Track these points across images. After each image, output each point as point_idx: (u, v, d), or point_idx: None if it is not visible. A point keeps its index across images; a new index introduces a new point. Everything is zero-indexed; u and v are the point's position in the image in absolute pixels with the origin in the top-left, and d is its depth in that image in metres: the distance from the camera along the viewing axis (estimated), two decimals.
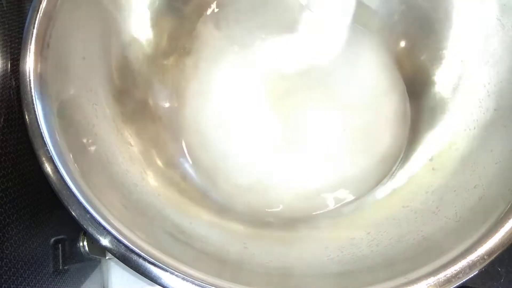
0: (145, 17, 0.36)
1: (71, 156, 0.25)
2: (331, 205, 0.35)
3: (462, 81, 0.34)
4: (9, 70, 0.27)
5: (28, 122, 0.24)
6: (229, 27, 0.40)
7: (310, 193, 0.35)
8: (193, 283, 0.22)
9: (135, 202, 0.28)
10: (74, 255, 0.31)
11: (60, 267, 0.29)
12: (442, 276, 0.22)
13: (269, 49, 0.40)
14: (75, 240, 0.32)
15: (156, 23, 0.37)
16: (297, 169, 0.36)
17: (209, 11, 0.40)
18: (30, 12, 0.26)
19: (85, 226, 0.23)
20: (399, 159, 0.36)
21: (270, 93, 0.38)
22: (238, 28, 0.40)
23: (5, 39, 0.27)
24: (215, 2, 0.40)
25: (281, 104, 0.38)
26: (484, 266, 0.22)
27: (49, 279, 0.28)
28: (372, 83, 0.39)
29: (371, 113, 0.38)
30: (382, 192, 0.35)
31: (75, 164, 0.25)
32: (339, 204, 0.35)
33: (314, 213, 0.35)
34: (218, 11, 0.40)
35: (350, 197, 0.35)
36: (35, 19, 0.26)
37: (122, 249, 0.23)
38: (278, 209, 0.35)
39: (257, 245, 0.30)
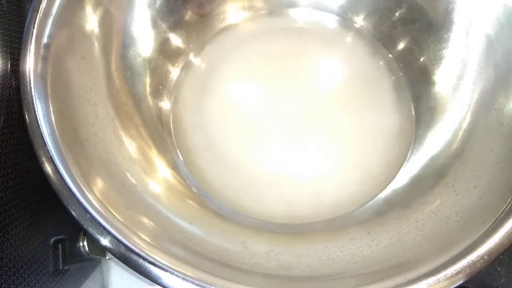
0: (145, 17, 0.36)
1: (71, 156, 0.25)
2: (333, 213, 0.35)
3: (462, 81, 0.34)
4: (9, 70, 0.27)
5: (28, 122, 0.24)
6: (230, 26, 0.40)
7: (312, 196, 0.35)
8: (193, 283, 0.22)
9: (135, 202, 0.28)
10: (74, 255, 0.31)
11: (60, 267, 0.29)
12: (442, 276, 0.22)
13: (271, 50, 0.40)
14: (75, 240, 0.32)
15: (156, 23, 0.37)
16: (299, 172, 0.36)
17: (210, 12, 0.40)
18: (30, 12, 0.26)
19: (85, 226, 0.23)
20: (404, 161, 0.36)
21: (272, 94, 0.38)
22: (240, 29, 0.40)
23: (5, 39, 0.27)
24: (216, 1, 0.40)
25: (283, 106, 0.38)
26: (484, 266, 0.22)
27: (49, 279, 0.28)
28: (375, 84, 0.38)
29: (375, 115, 0.37)
30: (382, 192, 0.35)
31: (75, 164, 0.25)
32: (341, 213, 0.35)
33: (315, 215, 0.35)
34: (217, 13, 0.40)
35: (354, 205, 0.35)
36: (35, 19, 0.26)
37: (122, 249, 0.23)
38: (278, 210, 0.35)
39: (257, 245, 0.30)
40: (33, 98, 0.25)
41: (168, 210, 0.30)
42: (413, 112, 0.37)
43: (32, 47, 0.26)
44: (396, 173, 0.35)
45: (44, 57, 0.26)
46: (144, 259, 0.22)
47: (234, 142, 0.37)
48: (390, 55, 0.39)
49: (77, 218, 0.23)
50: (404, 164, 0.36)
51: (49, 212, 0.29)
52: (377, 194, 0.35)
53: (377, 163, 0.36)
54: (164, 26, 0.38)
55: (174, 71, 0.39)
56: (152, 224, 0.27)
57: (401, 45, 0.39)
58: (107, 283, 0.39)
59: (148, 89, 0.37)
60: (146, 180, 0.31)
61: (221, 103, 0.38)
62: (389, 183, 0.35)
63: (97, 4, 0.31)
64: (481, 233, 0.23)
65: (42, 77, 0.26)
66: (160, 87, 0.38)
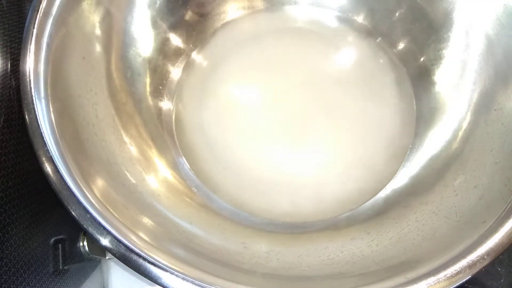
0: (145, 17, 0.36)
1: (71, 156, 0.25)
2: (335, 211, 0.35)
3: (462, 81, 0.34)
4: (9, 70, 0.27)
5: (28, 122, 0.24)
6: (231, 26, 0.40)
7: (314, 195, 0.35)
8: (193, 283, 0.22)
9: (135, 202, 0.28)
10: (74, 255, 0.31)
11: (60, 267, 0.29)
12: (442, 276, 0.22)
13: (272, 50, 0.40)
14: (75, 240, 0.32)
15: (156, 23, 0.37)
16: (301, 171, 0.36)
17: (210, 12, 0.40)
18: (30, 12, 0.26)
19: (85, 226, 0.23)
20: (405, 158, 0.36)
21: (273, 93, 0.38)
22: (240, 29, 0.40)
23: (5, 39, 0.27)
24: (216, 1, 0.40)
25: (284, 105, 0.38)
26: (484, 266, 0.22)
27: (49, 279, 0.28)
28: (376, 83, 0.38)
29: (375, 114, 0.37)
30: (382, 192, 0.35)
31: (75, 164, 0.25)
32: (343, 211, 0.35)
33: (317, 213, 0.35)
34: (217, 13, 0.40)
35: (356, 203, 0.35)
36: (35, 19, 0.26)
37: (122, 249, 0.23)
38: (280, 209, 0.35)
39: (257, 245, 0.30)
40: (33, 98, 0.25)
41: (168, 210, 0.30)
42: (415, 108, 0.37)
43: (32, 47, 0.26)
44: (397, 171, 0.35)
45: (44, 57, 0.26)
46: (144, 259, 0.22)
47: (235, 141, 0.37)
48: (391, 54, 0.39)
49: (77, 218, 0.23)
50: (404, 163, 0.36)
51: (49, 212, 0.29)
52: (378, 192, 0.35)
53: (378, 161, 0.36)
54: (164, 26, 0.38)
55: (174, 71, 0.39)
56: (152, 224, 0.27)
57: (401, 45, 0.39)
58: (107, 283, 0.39)
59: (148, 89, 0.37)
60: (146, 180, 0.31)
61: (221, 103, 0.38)
62: (390, 180, 0.35)
63: (97, 4, 0.31)
64: (481, 233, 0.23)
65: (42, 77, 0.26)
66: (160, 87, 0.38)
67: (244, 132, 0.37)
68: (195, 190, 0.35)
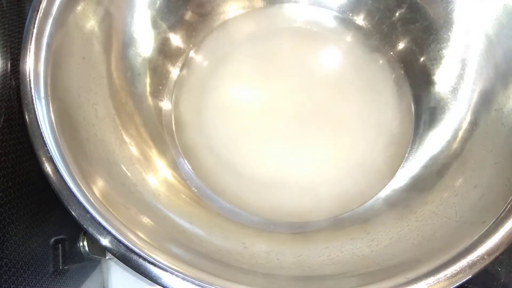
0: (145, 17, 0.36)
1: (71, 156, 0.25)
2: (335, 211, 0.35)
3: (462, 81, 0.34)
4: (9, 70, 0.27)
5: (28, 122, 0.24)
6: (231, 26, 0.40)
7: (313, 197, 0.35)
8: (193, 283, 0.22)
9: (135, 202, 0.28)
10: (74, 255, 0.31)
11: (60, 267, 0.29)
12: (442, 276, 0.22)
13: (272, 50, 0.40)
14: (75, 240, 0.32)
15: (156, 23, 0.37)
16: (300, 171, 0.36)
17: (210, 12, 0.40)
18: (30, 12, 0.26)
19: (85, 226, 0.23)
20: (404, 160, 0.36)
21: (272, 94, 0.38)
22: (240, 29, 0.41)
23: (5, 39, 0.27)
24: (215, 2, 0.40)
25: (283, 105, 0.38)
26: (484, 266, 0.22)
27: (49, 279, 0.28)
28: (375, 84, 0.38)
29: (375, 114, 0.37)
30: (382, 192, 0.35)
31: (75, 164, 0.25)
32: (343, 211, 0.35)
33: (316, 214, 0.35)
34: (217, 13, 0.40)
35: (354, 204, 0.35)
36: (35, 19, 0.26)
37: (122, 249, 0.23)
38: (279, 209, 0.35)
39: (257, 245, 0.30)
40: (33, 98, 0.25)
41: (168, 210, 0.30)
42: (413, 110, 0.37)
43: (32, 47, 0.26)
44: (395, 172, 0.35)
45: (44, 57, 0.26)
46: (144, 259, 0.22)
47: (235, 141, 0.37)
48: (391, 54, 0.39)
49: (77, 218, 0.23)
50: (403, 163, 0.36)
51: (49, 212, 0.29)
52: (377, 193, 0.35)
53: (376, 162, 0.36)
54: (164, 26, 0.38)
55: (174, 71, 0.39)
56: (152, 224, 0.27)
57: (401, 45, 0.39)
58: (107, 283, 0.39)
59: (148, 89, 0.37)
60: (146, 180, 0.31)
61: (221, 103, 0.38)
62: (389, 182, 0.35)
63: (97, 4, 0.31)
64: (481, 233, 0.23)
65: (42, 77, 0.26)
66: (160, 87, 0.38)
67: (244, 132, 0.37)
68: (195, 190, 0.35)
